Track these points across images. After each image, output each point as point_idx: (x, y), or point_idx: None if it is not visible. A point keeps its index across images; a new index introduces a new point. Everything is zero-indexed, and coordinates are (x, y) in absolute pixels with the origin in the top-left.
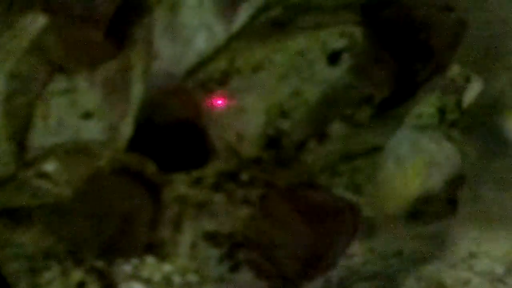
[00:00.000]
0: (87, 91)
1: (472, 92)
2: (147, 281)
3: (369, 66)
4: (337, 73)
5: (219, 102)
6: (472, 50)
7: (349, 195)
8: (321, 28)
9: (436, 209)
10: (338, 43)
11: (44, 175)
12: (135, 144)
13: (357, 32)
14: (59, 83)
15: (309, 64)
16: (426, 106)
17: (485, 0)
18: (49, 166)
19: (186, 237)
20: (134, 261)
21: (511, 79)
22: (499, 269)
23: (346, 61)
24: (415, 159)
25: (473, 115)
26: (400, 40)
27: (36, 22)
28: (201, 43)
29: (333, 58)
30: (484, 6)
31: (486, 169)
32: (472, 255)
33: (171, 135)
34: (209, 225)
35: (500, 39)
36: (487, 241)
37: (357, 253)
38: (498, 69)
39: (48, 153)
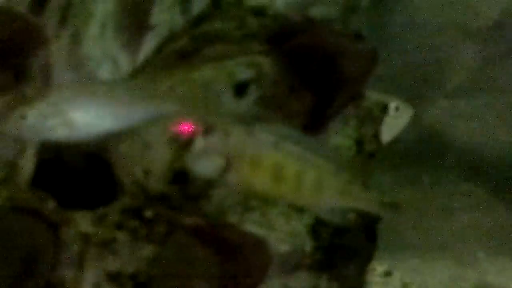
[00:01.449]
0: None
1: (402, 119)
2: None
3: (279, 97)
4: (244, 105)
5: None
6: (407, 78)
7: (261, 231)
8: (227, 59)
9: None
10: (244, 74)
11: None
12: (41, 180)
13: (265, 62)
14: None
15: (215, 96)
16: (343, 138)
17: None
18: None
19: (89, 277)
20: None
21: (447, 107)
22: None
23: (253, 92)
24: None
25: (410, 141)
26: (312, 69)
27: None
28: (106, 75)
29: (240, 89)
30: (416, 31)
31: (426, 197)
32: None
33: (79, 170)
34: (112, 265)
35: (435, 66)
36: (425, 271)
37: None
38: (434, 97)
39: None
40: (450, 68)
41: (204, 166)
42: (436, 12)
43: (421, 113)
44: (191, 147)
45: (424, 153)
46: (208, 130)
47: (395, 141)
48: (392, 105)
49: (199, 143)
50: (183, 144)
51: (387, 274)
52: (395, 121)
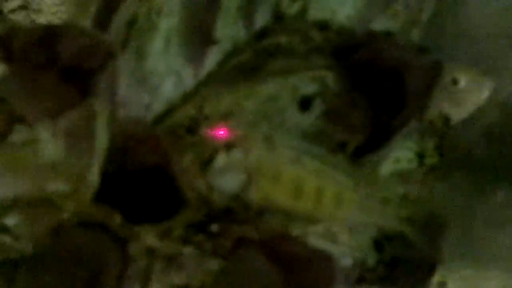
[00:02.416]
0: (50, 141)
1: (477, 94)
2: None
3: (342, 111)
4: (309, 119)
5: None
6: None
7: (325, 245)
8: (292, 73)
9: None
10: (309, 88)
11: (4, 229)
12: (102, 193)
13: (329, 76)
14: (20, 133)
15: (280, 110)
16: (404, 151)
17: (470, 37)
18: (10, 220)
19: None
20: None
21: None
22: None
23: (318, 106)
24: None
25: (464, 149)
26: (374, 84)
27: None
28: (169, 89)
29: (305, 104)
30: (467, 41)
31: (476, 207)
32: None
33: (141, 183)
34: (179, 279)
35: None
36: (478, 281)
37: None
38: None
39: (10, 206)
40: (503, 76)
41: (226, 181)
42: (488, 21)
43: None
44: (213, 163)
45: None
46: (229, 146)
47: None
48: (463, 76)
49: (221, 158)
50: (206, 160)
51: (442, 285)
52: (468, 96)
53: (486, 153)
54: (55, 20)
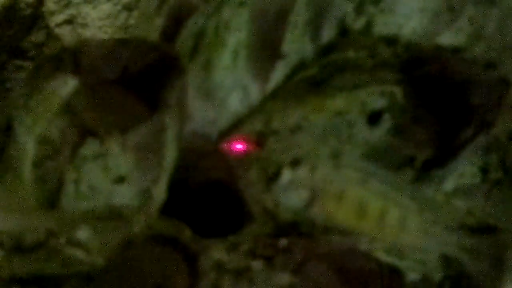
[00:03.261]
0: (119, 155)
1: None
2: None
3: (410, 126)
4: (377, 134)
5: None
6: None
7: (391, 259)
8: (360, 88)
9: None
10: (378, 103)
11: (76, 243)
12: (168, 207)
13: (397, 91)
14: (91, 147)
15: (348, 125)
16: (468, 166)
17: None
18: (82, 233)
19: None
20: None
21: None
22: None
23: (386, 121)
24: None
25: None
26: (441, 98)
27: (66, 84)
28: (236, 103)
29: (373, 118)
30: None
31: None
32: None
33: (205, 197)
34: None
35: None
36: None
37: None
38: None
39: (80, 219)
40: None
41: (290, 198)
42: None
43: None
44: (278, 179)
45: None
46: (295, 163)
47: None
48: None
49: (286, 175)
50: (271, 175)
51: None
52: None
53: None
54: (101, 34)
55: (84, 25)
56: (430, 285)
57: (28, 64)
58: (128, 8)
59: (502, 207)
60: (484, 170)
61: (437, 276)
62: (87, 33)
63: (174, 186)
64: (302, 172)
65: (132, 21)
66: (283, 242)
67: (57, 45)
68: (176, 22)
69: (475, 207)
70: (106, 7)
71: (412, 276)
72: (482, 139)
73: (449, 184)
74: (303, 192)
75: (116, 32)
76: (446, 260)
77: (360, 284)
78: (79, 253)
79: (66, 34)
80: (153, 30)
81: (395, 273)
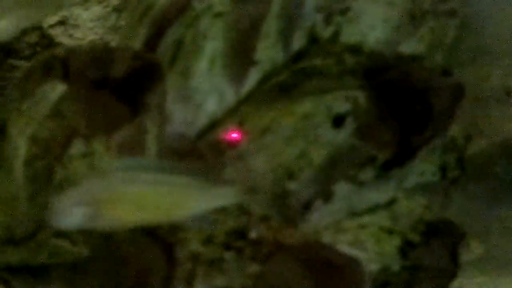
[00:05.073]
0: (104, 154)
1: None
2: None
3: (372, 128)
4: (341, 136)
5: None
6: None
7: (354, 251)
8: (326, 93)
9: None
10: (342, 107)
11: (62, 235)
12: None
13: (361, 96)
14: (78, 147)
15: (314, 127)
16: (428, 165)
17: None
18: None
19: None
20: None
21: None
22: None
23: (350, 124)
24: None
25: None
26: (401, 103)
27: (55, 89)
28: (212, 106)
29: (338, 121)
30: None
31: (493, 216)
32: None
33: None
34: (220, 281)
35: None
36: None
37: None
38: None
39: None
40: None
41: (75, 219)
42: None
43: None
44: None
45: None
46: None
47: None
48: None
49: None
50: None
51: None
52: None
53: (504, 166)
54: (92, 35)
55: (76, 26)
56: (388, 274)
57: (22, 63)
58: (117, 10)
59: (458, 203)
60: (443, 169)
61: (395, 266)
62: (79, 33)
63: None
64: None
65: (122, 22)
66: (253, 234)
67: (49, 45)
68: (157, 32)
69: (434, 203)
70: (97, 9)
71: (372, 266)
72: (440, 140)
73: (411, 181)
74: None
75: (106, 32)
76: (404, 253)
77: (323, 274)
78: (65, 244)
79: (59, 35)
80: (136, 39)
81: (357, 264)
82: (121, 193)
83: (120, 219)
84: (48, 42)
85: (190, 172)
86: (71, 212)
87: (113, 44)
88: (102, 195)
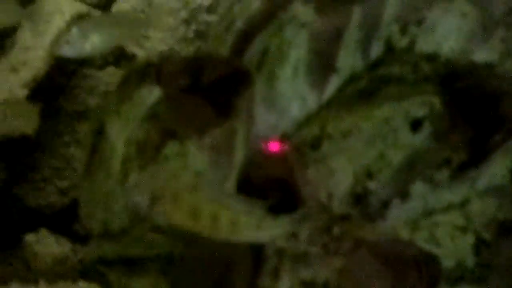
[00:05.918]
0: (197, 155)
1: None
2: None
3: (447, 132)
4: (419, 139)
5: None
6: None
7: (429, 247)
8: (404, 99)
9: None
10: (419, 112)
11: (158, 229)
12: None
13: (436, 101)
14: (172, 147)
15: (393, 131)
16: (499, 168)
17: None
18: (160, 220)
19: (284, 285)
20: None
21: None
22: None
23: (427, 128)
24: None
25: None
26: (475, 108)
27: (151, 94)
28: (295, 111)
29: (415, 125)
30: None
31: None
32: None
33: (267, 192)
34: (306, 275)
35: None
36: None
37: None
38: None
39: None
40: None
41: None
42: None
43: None
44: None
45: None
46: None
47: None
48: None
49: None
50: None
51: None
52: None
53: None
54: (162, 46)
55: (146, 37)
56: (462, 270)
57: (94, 72)
58: (186, 22)
59: None
60: None
61: (470, 263)
62: (148, 44)
63: (241, 182)
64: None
65: (191, 35)
66: (336, 230)
67: (120, 55)
68: (244, 40)
69: (505, 205)
70: (166, 21)
71: (447, 263)
72: (510, 144)
73: (482, 183)
74: None
75: (175, 43)
76: (478, 250)
77: (402, 269)
78: (160, 238)
79: (129, 45)
80: (223, 47)
81: (433, 259)
82: (181, 197)
83: (174, 218)
84: (119, 52)
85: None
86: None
87: (182, 54)
88: (165, 189)
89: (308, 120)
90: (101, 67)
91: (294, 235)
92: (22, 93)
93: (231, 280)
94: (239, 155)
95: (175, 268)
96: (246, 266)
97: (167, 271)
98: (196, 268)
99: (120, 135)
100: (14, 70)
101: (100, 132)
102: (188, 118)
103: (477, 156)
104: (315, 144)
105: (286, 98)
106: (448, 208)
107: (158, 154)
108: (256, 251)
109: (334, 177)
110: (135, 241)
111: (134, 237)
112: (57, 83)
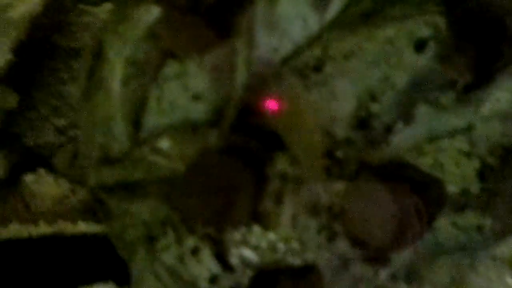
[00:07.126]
0: (197, 74)
1: None
2: (255, 247)
3: (452, 53)
4: (423, 60)
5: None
6: None
7: (434, 173)
8: (408, 18)
9: None
10: (424, 32)
11: (158, 151)
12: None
13: (441, 21)
14: (171, 67)
15: (397, 52)
16: (503, 92)
17: None
18: (163, 143)
19: (287, 209)
20: (242, 229)
21: None
22: None
23: (431, 48)
24: None
25: None
26: (480, 30)
27: (150, 13)
28: (297, 33)
29: (420, 46)
30: None
31: None
32: None
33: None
34: (309, 198)
35: None
36: None
37: (441, 227)
38: None
39: (162, 131)
40: None
41: None
42: None
43: None
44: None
45: None
46: None
47: None
48: None
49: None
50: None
51: None
52: None
53: None
54: None
55: None
56: (467, 196)
57: (90, 9)
58: None
59: None
60: None
61: (475, 188)
62: None
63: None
64: None
65: None
66: (339, 154)
67: None
68: None
69: (509, 130)
70: None
71: (452, 188)
72: None
73: (487, 108)
74: None
75: None
76: (483, 176)
77: (407, 193)
78: (161, 160)
79: None
80: None
81: (439, 183)
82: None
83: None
84: None
85: None
86: None
87: None
88: None
89: (310, 42)
90: (97, 3)
91: (296, 159)
92: None
93: (233, 204)
94: (240, 77)
95: (176, 192)
96: (249, 190)
97: (168, 195)
98: (197, 192)
99: (119, 55)
100: (11, 6)
101: (98, 54)
102: (188, 38)
103: (481, 79)
104: (317, 66)
105: (287, 20)
106: (453, 132)
107: (158, 75)
108: (260, 174)
109: (337, 100)
110: (135, 164)
111: (134, 161)
112: (54, 19)
